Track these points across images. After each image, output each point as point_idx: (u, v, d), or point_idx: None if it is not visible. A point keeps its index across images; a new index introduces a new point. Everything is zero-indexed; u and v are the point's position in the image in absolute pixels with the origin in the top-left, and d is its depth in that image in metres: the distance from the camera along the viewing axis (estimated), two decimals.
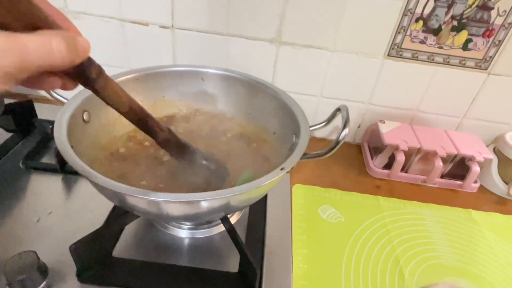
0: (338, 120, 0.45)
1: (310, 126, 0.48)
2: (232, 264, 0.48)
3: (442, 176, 0.70)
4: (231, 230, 0.48)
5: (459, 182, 0.69)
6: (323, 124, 0.50)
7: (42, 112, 0.69)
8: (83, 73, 0.28)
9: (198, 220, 0.50)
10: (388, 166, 0.69)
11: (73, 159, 0.37)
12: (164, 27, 0.67)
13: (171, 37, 0.68)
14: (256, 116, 0.59)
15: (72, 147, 0.40)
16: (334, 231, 0.57)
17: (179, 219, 0.50)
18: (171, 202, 0.36)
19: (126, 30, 0.67)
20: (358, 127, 0.76)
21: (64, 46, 0.23)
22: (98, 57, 0.73)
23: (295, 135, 0.49)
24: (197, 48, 0.69)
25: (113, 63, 0.72)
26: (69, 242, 0.42)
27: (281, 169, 0.39)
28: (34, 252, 0.42)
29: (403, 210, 0.62)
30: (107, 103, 0.32)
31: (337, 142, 0.39)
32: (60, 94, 0.50)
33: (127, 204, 0.39)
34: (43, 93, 0.77)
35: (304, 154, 0.42)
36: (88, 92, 0.30)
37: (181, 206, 0.37)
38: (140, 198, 0.35)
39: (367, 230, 0.57)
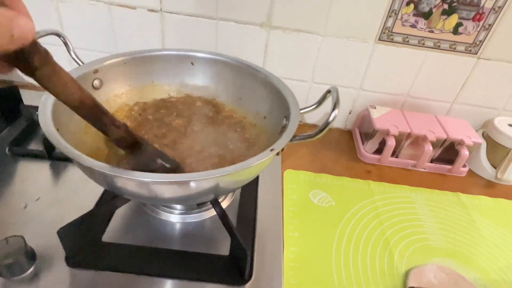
0: (329, 105, 0.45)
1: (301, 109, 0.48)
2: (224, 248, 0.48)
3: (431, 161, 0.70)
4: (222, 214, 0.48)
5: (448, 167, 0.69)
6: (314, 106, 0.49)
7: (28, 98, 0.67)
8: (23, 59, 0.25)
9: (189, 202, 0.50)
10: (379, 151, 0.70)
11: (59, 142, 0.36)
12: (152, 10, 0.65)
13: (159, 21, 0.66)
14: (246, 100, 0.59)
15: (58, 130, 0.39)
16: (325, 214, 0.57)
17: (169, 202, 0.50)
18: (160, 183, 0.35)
19: (113, 14, 0.66)
20: (350, 113, 0.76)
21: None
22: (83, 42, 0.71)
23: (285, 117, 0.49)
24: (186, 33, 0.68)
25: (99, 49, 0.70)
26: (57, 227, 0.41)
27: (271, 150, 0.38)
28: (21, 236, 0.41)
29: (393, 194, 0.63)
30: (52, 94, 0.29)
31: (327, 123, 0.39)
32: None
33: (116, 187, 0.38)
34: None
35: (294, 136, 0.42)
36: (77, 73, 0.29)
37: (171, 187, 0.37)
38: (129, 180, 0.35)
39: (357, 214, 0.58)
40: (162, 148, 0.49)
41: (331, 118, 0.39)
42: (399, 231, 0.56)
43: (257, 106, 0.57)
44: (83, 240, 0.45)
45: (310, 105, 0.50)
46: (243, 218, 0.53)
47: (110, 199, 0.50)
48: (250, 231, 0.51)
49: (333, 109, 0.40)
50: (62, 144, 0.35)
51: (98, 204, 0.51)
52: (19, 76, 0.27)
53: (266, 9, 0.63)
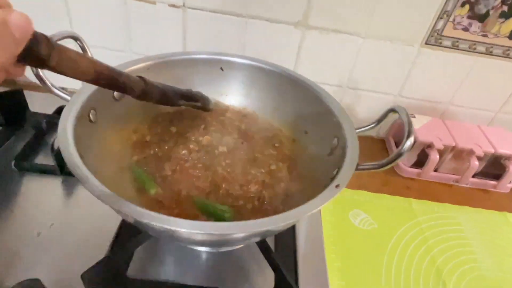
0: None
1: (356, 128, 0.42)
2: (261, 282, 0.43)
3: (473, 175, 0.65)
4: (265, 248, 0.43)
5: (493, 182, 0.64)
6: (372, 125, 0.43)
7: (33, 102, 0.60)
8: (32, 54, 0.23)
9: (229, 246, 0.44)
10: (417, 164, 0.64)
11: (90, 180, 0.30)
12: (173, 5, 0.58)
13: (181, 18, 0.59)
14: (283, 111, 0.52)
15: (82, 157, 0.33)
16: (368, 239, 0.52)
17: (209, 245, 0.44)
18: (206, 235, 0.29)
19: (129, 9, 0.58)
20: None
21: None
22: (96, 39, 0.63)
23: (336, 138, 0.43)
24: (210, 31, 0.61)
25: (112, 46, 0.63)
26: (75, 259, 0.37)
27: (336, 187, 0.33)
28: (38, 280, 0.36)
29: (437, 214, 0.58)
30: (68, 76, 0.27)
31: (399, 154, 0.33)
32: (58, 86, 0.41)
33: (152, 231, 0.32)
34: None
35: (357, 165, 0.36)
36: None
37: (211, 236, 0.31)
38: (170, 229, 0.29)
39: (403, 238, 0.53)
40: (192, 173, 0.44)
41: (404, 148, 0.33)
42: (450, 260, 0.51)
43: (296, 119, 0.51)
44: (106, 279, 0.39)
45: (365, 124, 0.44)
46: (281, 246, 0.48)
47: (132, 235, 0.43)
48: (291, 261, 0.46)
49: (407, 137, 0.34)
50: (97, 188, 0.29)
51: (118, 240, 0.44)
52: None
53: (303, 7, 0.56)
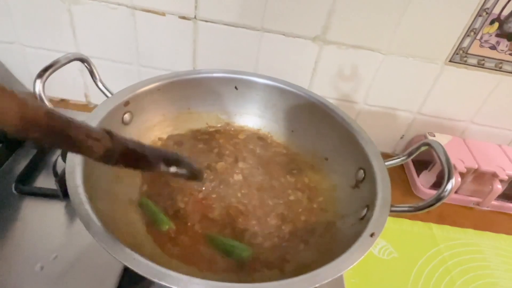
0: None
1: (384, 161, 0.39)
2: None
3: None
4: None
5: None
6: (402, 158, 0.41)
7: None
8: None
9: None
10: (436, 184, 0.62)
11: (103, 235, 0.27)
12: (184, 17, 0.54)
13: (192, 31, 0.56)
14: (300, 134, 0.50)
15: (90, 199, 0.30)
16: (389, 270, 0.49)
17: None
18: None
19: (137, 20, 0.55)
20: (401, 138, 0.68)
21: None
22: (102, 51, 0.59)
23: (363, 170, 0.40)
24: (222, 45, 0.57)
25: (119, 59, 0.59)
26: None
27: (371, 236, 0.30)
28: None
29: (459, 241, 0.55)
30: None
31: (439, 198, 0.31)
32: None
33: None
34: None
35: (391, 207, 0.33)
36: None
37: None
38: None
39: (425, 269, 0.50)
40: (206, 204, 0.41)
41: (445, 192, 0.31)
42: None
43: (315, 144, 0.48)
44: None
45: (395, 156, 0.41)
46: None
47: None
48: None
49: (448, 179, 0.31)
50: (116, 246, 0.26)
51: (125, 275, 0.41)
52: None
53: (323, 21, 0.53)
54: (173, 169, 0.29)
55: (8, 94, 0.19)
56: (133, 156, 0.27)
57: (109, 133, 0.25)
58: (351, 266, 0.28)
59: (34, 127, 0.20)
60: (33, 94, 0.33)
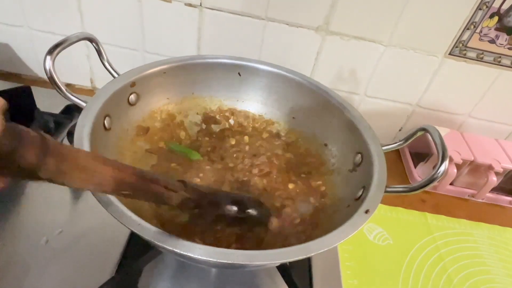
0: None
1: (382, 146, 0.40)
2: None
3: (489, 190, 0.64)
4: (280, 265, 0.41)
5: (508, 198, 0.63)
6: (399, 143, 0.42)
7: (40, 99, 0.58)
8: (11, 162, 0.16)
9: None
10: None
11: (120, 209, 0.27)
12: (190, 5, 0.56)
13: (197, 18, 0.57)
14: (301, 120, 0.51)
15: None
16: (383, 256, 0.50)
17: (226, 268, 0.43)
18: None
19: (143, 6, 0.56)
20: (400, 130, 0.69)
21: None
22: (108, 37, 0.59)
23: (360, 154, 0.41)
24: (226, 33, 0.58)
25: (125, 44, 0.61)
26: (85, 271, 0.38)
27: (366, 212, 0.31)
28: None
29: (453, 231, 0.57)
30: (75, 188, 0.23)
31: (432, 179, 0.32)
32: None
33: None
34: (41, 74, 0.65)
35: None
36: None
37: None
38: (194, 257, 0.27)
39: (419, 255, 0.51)
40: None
41: (439, 173, 0.32)
42: (466, 279, 0.50)
43: (315, 129, 0.49)
44: None
45: (393, 142, 0.42)
46: (296, 261, 0.46)
47: (140, 251, 0.41)
48: (306, 277, 0.45)
49: (441, 161, 0.32)
50: (129, 217, 0.27)
51: (129, 247, 0.43)
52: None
53: (325, 11, 0.54)
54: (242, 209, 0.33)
55: (102, 161, 0.22)
56: (206, 201, 0.31)
57: (184, 183, 0.28)
58: (345, 239, 0.29)
59: (125, 185, 0.23)
60: (44, 70, 0.34)
